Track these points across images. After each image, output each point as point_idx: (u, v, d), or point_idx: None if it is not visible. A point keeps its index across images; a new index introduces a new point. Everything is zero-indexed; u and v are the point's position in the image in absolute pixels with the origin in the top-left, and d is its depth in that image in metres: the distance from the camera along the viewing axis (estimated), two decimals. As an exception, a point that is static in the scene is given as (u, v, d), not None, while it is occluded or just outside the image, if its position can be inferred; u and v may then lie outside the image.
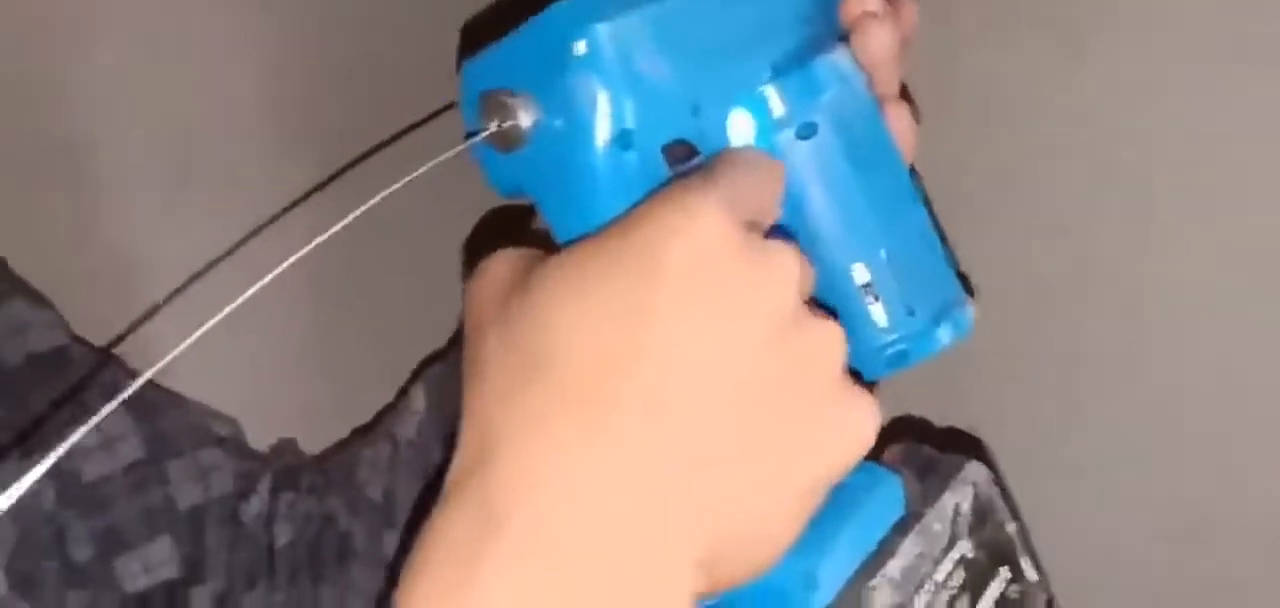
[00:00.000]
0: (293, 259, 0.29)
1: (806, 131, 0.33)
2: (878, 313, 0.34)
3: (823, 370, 0.28)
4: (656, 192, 0.28)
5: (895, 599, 0.30)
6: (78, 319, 0.52)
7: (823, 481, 0.28)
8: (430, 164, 0.30)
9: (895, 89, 0.37)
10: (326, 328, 0.59)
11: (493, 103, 0.29)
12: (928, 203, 0.37)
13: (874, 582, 0.30)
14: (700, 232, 0.26)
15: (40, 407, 0.47)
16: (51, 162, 0.53)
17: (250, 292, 0.28)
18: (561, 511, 0.25)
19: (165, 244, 0.55)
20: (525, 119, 0.29)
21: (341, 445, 0.55)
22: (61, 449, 0.25)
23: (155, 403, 0.50)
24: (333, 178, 0.55)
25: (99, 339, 0.54)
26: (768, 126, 0.33)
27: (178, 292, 0.53)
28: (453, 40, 0.64)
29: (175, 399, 0.52)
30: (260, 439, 0.55)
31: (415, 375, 0.53)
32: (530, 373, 0.26)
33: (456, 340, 0.50)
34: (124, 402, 0.49)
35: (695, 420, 0.26)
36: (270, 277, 0.29)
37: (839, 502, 0.29)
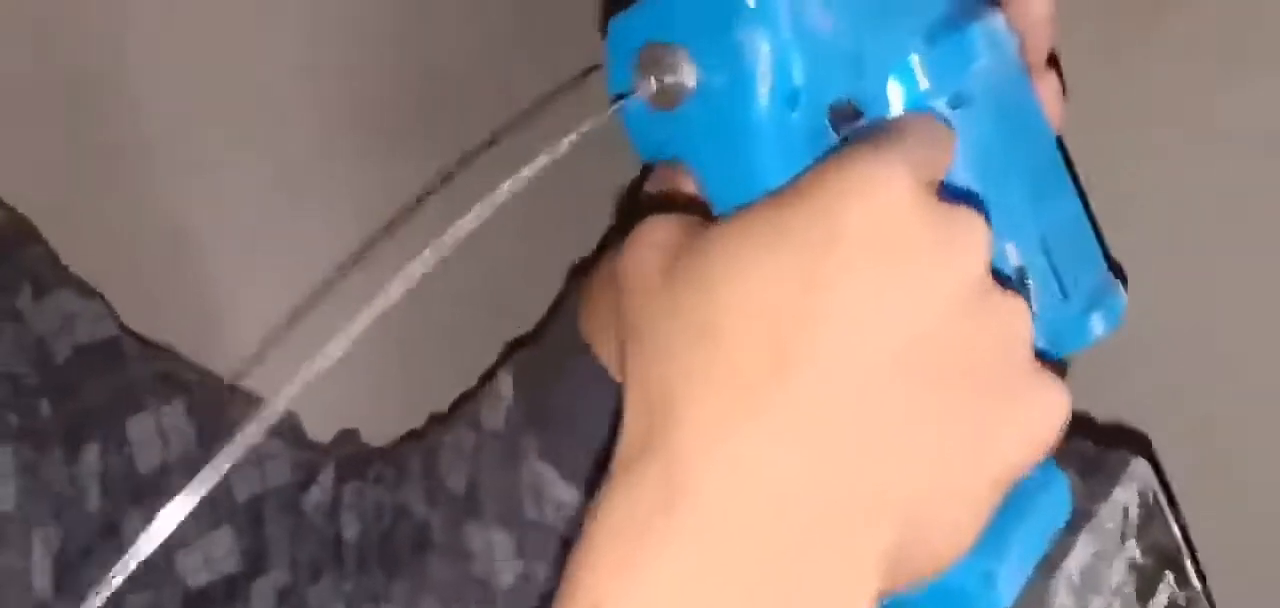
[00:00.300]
0: (427, 254, 0.26)
1: (959, 100, 0.31)
2: (1030, 298, 0.32)
3: (1014, 348, 0.26)
4: (834, 152, 0.26)
5: (1072, 604, 0.28)
6: (137, 307, 0.51)
7: (1015, 468, 0.26)
8: (579, 131, 0.28)
9: (1045, 57, 0.35)
10: (400, 319, 0.57)
11: (652, 57, 0.27)
12: (1077, 180, 0.35)
13: (1053, 582, 0.28)
14: (885, 193, 0.25)
15: (91, 399, 0.46)
16: (108, 158, 0.52)
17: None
18: (739, 487, 0.24)
19: (224, 232, 0.54)
20: (687, 75, 0.27)
21: (415, 435, 0.53)
22: (211, 474, 0.24)
23: (204, 392, 0.49)
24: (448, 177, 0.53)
25: (159, 325, 0.53)
26: (917, 94, 0.31)
27: (286, 325, 0.52)
28: (516, 16, 0.63)
29: (227, 389, 0.51)
30: (328, 431, 0.54)
31: (501, 360, 0.51)
32: (702, 342, 0.25)
33: (545, 326, 0.48)
34: (176, 391, 0.48)
35: (880, 394, 0.24)
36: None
37: (1010, 499, 0.27)
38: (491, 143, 0.51)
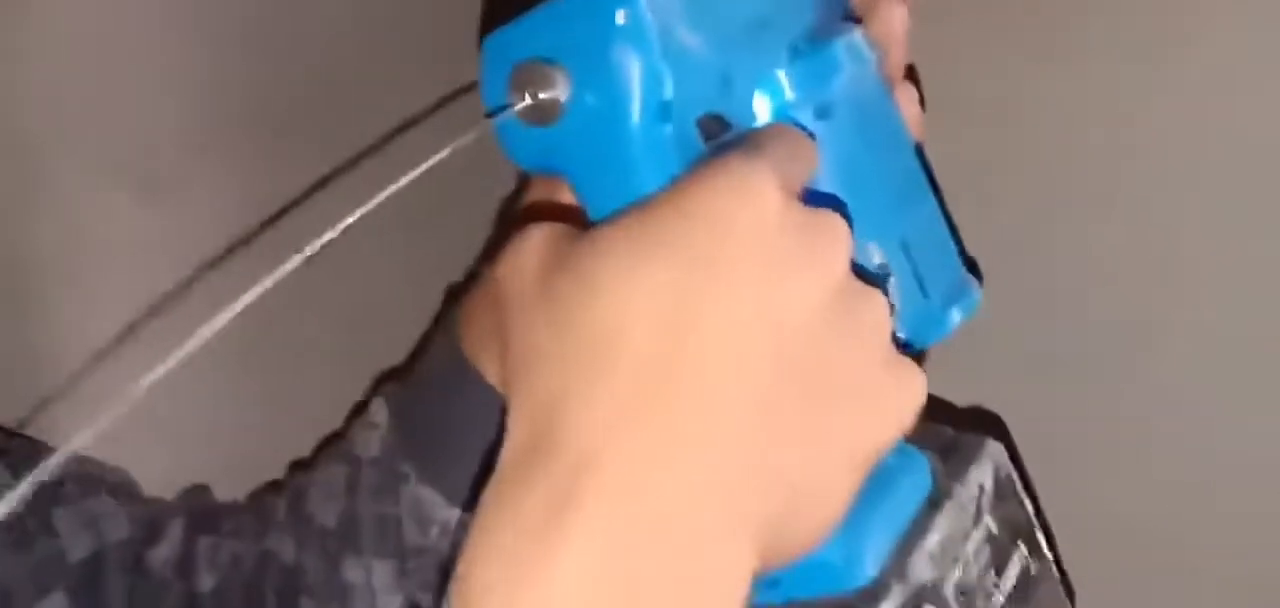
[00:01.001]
0: (289, 266, 0.27)
1: (824, 111, 0.33)
2: (891, 293, 0.34)
3: (874, 339, 0.28)
4: (706, 162, 0.28)
5: (933, 574, 0.30)
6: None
7: (875, 450, 0.28)
8: (451, 146, 0.29)
9: (903, 70, 0.37)
10: (264, 347, 0.56)
11: (527, 74, 0.29)
12: (935, 184, 0.37)
13: (913, 557, 0.30)
14: (762, 201, 0.26)
15: None
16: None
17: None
18: (635, 486, 0.25)
19: (85, 242, 0.53)
20: (562, 91, 0.28)
21: (275, 486, 0.52)
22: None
23: (31, 453, 0.46)
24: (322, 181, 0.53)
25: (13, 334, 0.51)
26: (783, 107, 0.33)
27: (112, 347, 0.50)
28: (400, 33, 0.63)
29: (50, 449, 0.49)
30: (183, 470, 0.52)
31: (372, 391, 0.49)
32: (590, 349, 0.26)
33: (416, 358, 0.47)
34: None
35: (758, 387, 0.26)
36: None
37: (875, 480, 0.29)
38: (367, 152, 0.51)
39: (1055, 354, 0.45)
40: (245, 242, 0.52)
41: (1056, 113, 0.48)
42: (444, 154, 0.28)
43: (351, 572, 0.45)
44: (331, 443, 0.49)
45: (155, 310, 0.51)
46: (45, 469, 0.24)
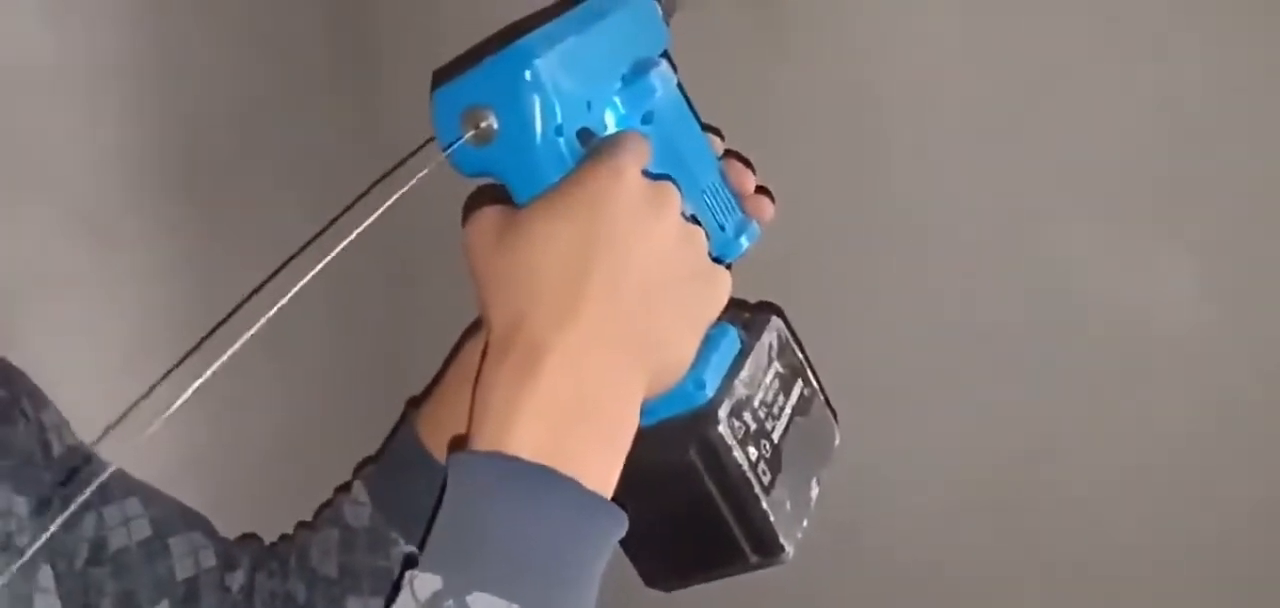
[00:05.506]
0: (301, 282, 0.41)
1: (648, 118, 0.51)
2: (705, 230, 0.52)
3: (701, 255, 0.46)
4: (587, 159, 0.45)
5: (745, 393, 0.49)
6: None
7: (706, 323, 0.46)
8: (426, 169, 0.44)
9: None
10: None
11: (470, 115, 0.45)
12: (720, 159, 0.56)
13: (733, 384, 0.48)
14: (626, 177, 0.43)
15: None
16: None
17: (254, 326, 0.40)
18: (567, 349, 0.41)
19: (50, 279, 0.60)
20: (494, 123, 0.45)
21: (286, 538, 0.65)
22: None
23: (152, 492, 0.60)
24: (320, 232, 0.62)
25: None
26: (623, 118, 0.50)
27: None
28: (287, 117, 0.74)
29: (157, 490, 0.61)
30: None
31: (353, 477, 0.62)
32: (532, 276, 0.42)
33: (386, 447, 0.60)
34: (135, 490, 0.58)
35: (643, 291, 0.43)
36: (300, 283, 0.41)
37: (706, 342, 0.48)
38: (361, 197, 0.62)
39: (799, 268, 0.66)
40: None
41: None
42: (424, 173, 0.44)
43: (354, 606, 0.58)
44: (323, 511, 0.62)
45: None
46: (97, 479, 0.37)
